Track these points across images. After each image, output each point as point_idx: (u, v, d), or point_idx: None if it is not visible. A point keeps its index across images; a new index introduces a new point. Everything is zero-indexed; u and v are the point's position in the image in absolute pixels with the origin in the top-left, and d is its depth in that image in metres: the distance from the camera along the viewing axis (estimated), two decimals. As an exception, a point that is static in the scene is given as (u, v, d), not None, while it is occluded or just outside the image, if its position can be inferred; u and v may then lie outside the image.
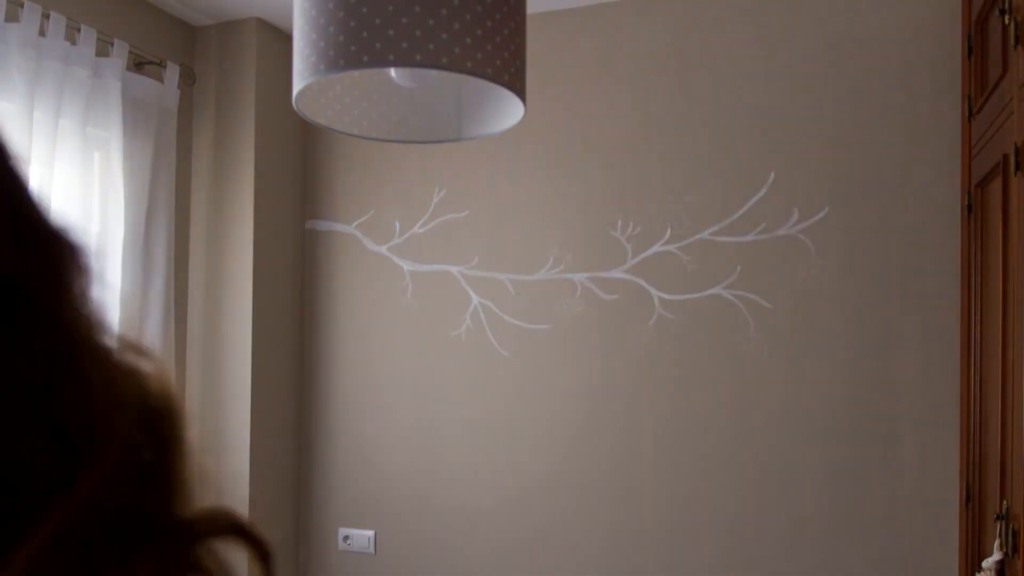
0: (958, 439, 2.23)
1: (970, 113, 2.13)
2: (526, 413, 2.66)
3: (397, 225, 2.90)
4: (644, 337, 2.57)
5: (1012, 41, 1.64)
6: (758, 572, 2.44)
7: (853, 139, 2.38)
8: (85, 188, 2.36)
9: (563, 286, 2.64)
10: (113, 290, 2.45)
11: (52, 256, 0.33)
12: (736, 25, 2.51)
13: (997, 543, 1.63)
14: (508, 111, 1.43)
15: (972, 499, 2.03)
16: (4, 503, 0.30)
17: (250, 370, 2.76)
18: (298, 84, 1.22)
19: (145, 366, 0.36)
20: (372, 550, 2.90)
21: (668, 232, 2.56)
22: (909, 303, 2.32)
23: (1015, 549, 1.56)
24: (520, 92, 1.26)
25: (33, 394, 0.31)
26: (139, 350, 0.36)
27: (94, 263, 0.33)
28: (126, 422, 0.34)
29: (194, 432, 0.35)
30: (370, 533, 2.90)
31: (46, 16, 2.21)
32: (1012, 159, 1.62)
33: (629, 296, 2.60)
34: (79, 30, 2.32)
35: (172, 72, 2.64)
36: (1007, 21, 1.68)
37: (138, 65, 2.57)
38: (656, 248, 2.57)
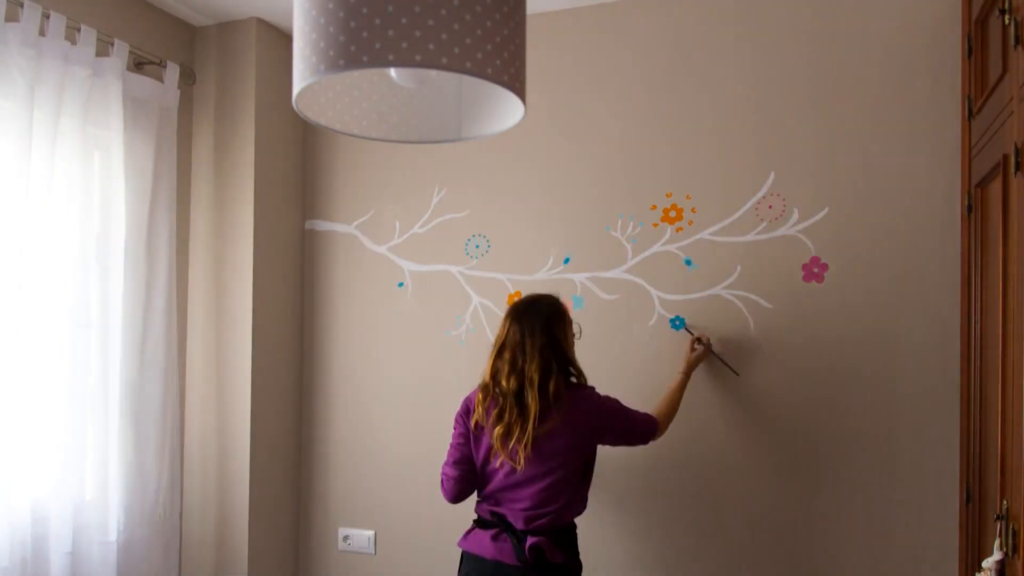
0: (958, 439, 2.23)
1: (970, 113, 2.13)
2: (526, 413, 2.65)
3: (397, 225, 2.90)
4: (644, 337, 2.57)
5: (1012, 41, 1.64)
6: (757, 571, 2.44)
7: (853, 139, 2.38)
8: (85, 188, 2.35)
9: (563, 286, 2.64)
10: (114, 290, 2.45)
11: None
12: (735, 25, 2.51)
13: (997, 543, 1.63)
14: (508, 111, 1.43)
15: (972, 499, 2.04)
16: None
17: (250, 369, 2.76)
18: (298, 84, 1.22)
19: None
20: (372, 550, 2.90)
21: (668, 232, 2.56)
22: (909, 303, 2.32)
23: (1015, 549, 1.56)
24: (520, 92, 1.26)
25: None
26: None
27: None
28: None
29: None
30: (370, 533, 2.90)
31: (46, 16, 2.21)
32: (1012, 159, 1.62)
33: (629, 296, 2.60)
34: (79, 30, 2.32)
35: (172, 72, 2.64)
36: (1007, 21, 1.68)
37: (138, 65, 2.57)
38: (656, 248, 2.57)
